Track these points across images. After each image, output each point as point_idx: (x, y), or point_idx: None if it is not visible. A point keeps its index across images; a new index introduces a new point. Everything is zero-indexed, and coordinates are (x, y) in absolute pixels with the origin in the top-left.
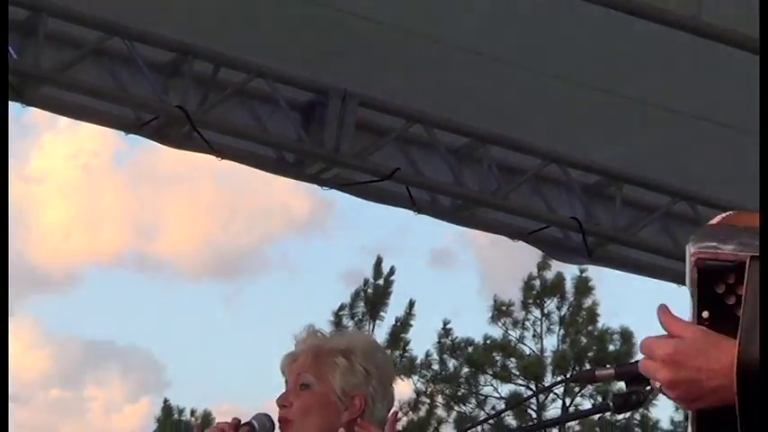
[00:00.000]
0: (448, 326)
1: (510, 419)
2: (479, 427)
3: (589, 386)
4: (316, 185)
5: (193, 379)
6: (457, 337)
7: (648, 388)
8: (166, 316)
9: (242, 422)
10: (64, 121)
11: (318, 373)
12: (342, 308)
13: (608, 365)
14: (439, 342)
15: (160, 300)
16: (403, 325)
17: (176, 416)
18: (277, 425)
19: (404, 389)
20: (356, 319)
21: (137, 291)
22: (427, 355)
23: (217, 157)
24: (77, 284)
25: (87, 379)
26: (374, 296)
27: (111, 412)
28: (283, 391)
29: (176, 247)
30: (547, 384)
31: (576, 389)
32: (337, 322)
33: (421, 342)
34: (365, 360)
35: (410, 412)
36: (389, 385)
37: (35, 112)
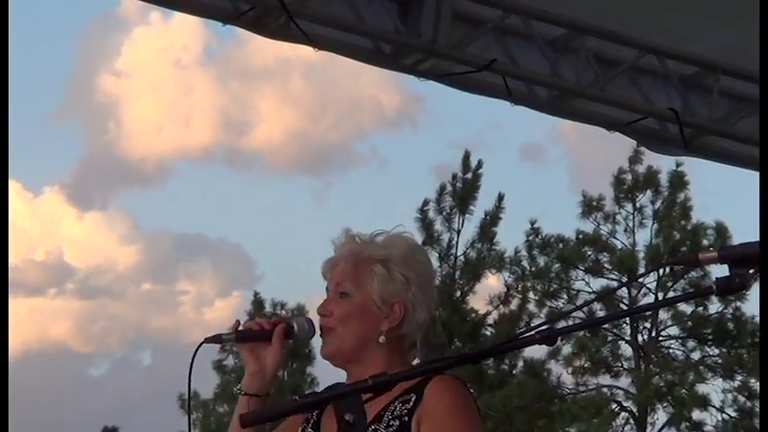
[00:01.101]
0: (537, 222)
1: (602, 314)
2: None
3: (681, 280)
4: (407, 80)
5: (284, 273)
6: (547, 233)
7: (752, 271)
8: (256, 210)
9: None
10: (155, 15)
11: (357, 281)
12: (426, 203)
13: (711, 248)
14: (528, 238)
15: (250, 194)
16: (492, 219)
17: (268, 309)
18: (318, 332)
19: (493, 283)
20: (444, 213)
21: (227, 185)
22: (516, 251)
23: (313, 47)
24: (168, 179)
25: (179, 273)
26: (463, 190)
27: (202, 306)
28: (324, 298)
29: (266, 141)
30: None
31: (669, 283)
32: (424, 217)
33: (510, 237)
34: (404, 267)
35: (501, 306)
36: (430, 288)
37: (126, 6)
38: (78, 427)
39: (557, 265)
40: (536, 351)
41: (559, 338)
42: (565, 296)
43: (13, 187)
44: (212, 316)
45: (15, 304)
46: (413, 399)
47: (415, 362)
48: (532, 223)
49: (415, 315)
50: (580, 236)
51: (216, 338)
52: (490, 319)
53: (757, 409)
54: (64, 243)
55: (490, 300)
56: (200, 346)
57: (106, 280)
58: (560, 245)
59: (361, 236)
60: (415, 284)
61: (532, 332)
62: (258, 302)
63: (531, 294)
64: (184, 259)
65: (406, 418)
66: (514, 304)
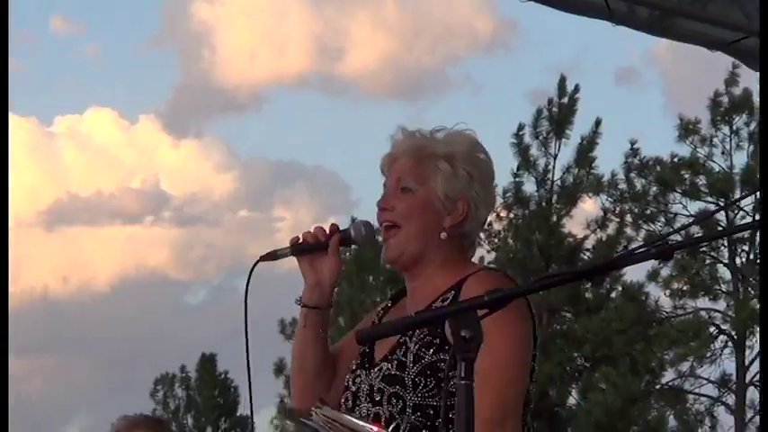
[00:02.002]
0: (635, 145)
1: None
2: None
3: None
4: (500, 3)
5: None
6: (644, 157)
7: None
8: (351, 137)
9: (339, 229)
10: None
11: (420, 177)
12: (521, 127)
13: None
14: (626, 162)
15: (344, 121)
16: (589, 143)
17: None
18: (377, 227)
19: (590, 207)
20: (540, 138)
21: (321, 112)
22: (613, 174)
23: None
24: (263, 106)
25: (275, 200)
26: (559, 115)
27: (298, 232)
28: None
29: (360, 67)
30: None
31: None
32: (519, 142)
33: (607, 160)
34: (467, 163)
35: (598, 230)
36: (491, 187)
37: None
38: (177, 354)
39: (654, 189)
40: (634, 274)
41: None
42: (662, 219)
43: (110, 116)
44: None
45: (113, 232)
46: (451, 296)
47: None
48: (632, 144)
49: (477, 213)
50: (677, 159)
51: (271, 255)
52: (587, 244)
53: None
54: (160, 171)
55: (587, 224)
56: (255, 264)
57: (202, 207)
58: (657, 168)
59: (421, 131)
60: (478, 182)
61: (648, 247)
62: None
63: (628, 218)
64: (280, 186)
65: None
66: (612, 228)
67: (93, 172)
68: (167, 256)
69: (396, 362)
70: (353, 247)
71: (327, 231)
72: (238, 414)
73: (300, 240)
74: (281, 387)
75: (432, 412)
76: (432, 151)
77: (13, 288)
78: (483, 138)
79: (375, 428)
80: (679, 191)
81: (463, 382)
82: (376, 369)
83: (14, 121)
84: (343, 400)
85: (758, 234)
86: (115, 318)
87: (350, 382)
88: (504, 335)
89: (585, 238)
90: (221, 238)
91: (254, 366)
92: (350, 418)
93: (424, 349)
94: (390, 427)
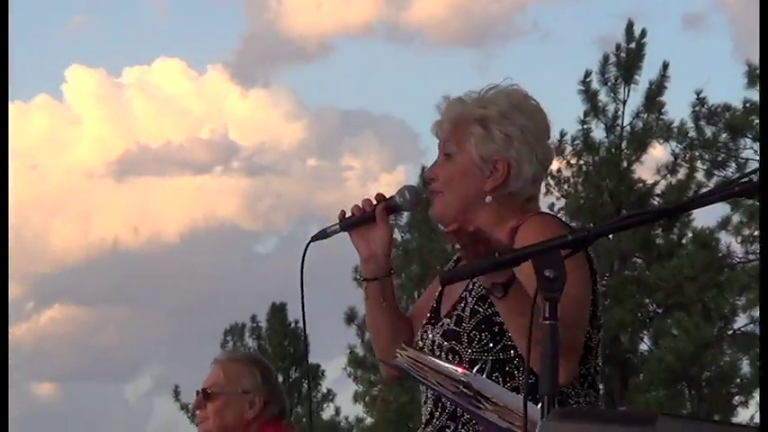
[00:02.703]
0: (701, 94)
1: None
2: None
3: None
4: None
5: None
6: (713, 104)
7: None
8: (418, 85)
9: (385, 198)
10: None
11: (458, 142)
12: (588, 74)
13: None
14: (694, 109)
15: (411, 69)
16: (657, 88)
17: None
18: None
19: (660, 152)
20: (608, 83)
21: (388, 60)
22: (682, 123)
23: None
24: (330, 55)
25: (343, 149)
26: (627, 60)
27: (367, 181)
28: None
29: (426, 15)
30: None
31: None
32: (587, 88)
33: (676, 106)
34: (503, 124)
35: (668, 175)
36: (540, 142)
37: None
38: (247, 304)
39: (724, 135)
40: (704, 221)
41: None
42: (733, 165)
43: (178, 66)
44: (378, 190)
45: (182, 183)
46: None
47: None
48: (698, 93)
49: (521, 171)
50: (747, 104)
51: (321, 234)
52: (657, 189)
53: None
54: (229, 121)
55: (657, 169)
56: (307, 245)
57: (271, 157)
58: (727, 114)
59: (469, 95)
60: (517, 140)
61: (732, 184)
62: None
63: (698, 164)
64: (348, 135)
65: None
66: (682, 174)
67: (162, 123)
68: (237, 206)
69: (455, 317)
70: (423, 195)
71: (374, 202)
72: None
73: (348, 215)
74: (352, 336)
75: (484, 366)
76: (467, 116)
77: (84, 239)
78: (550, 85)
79: (460, 369)
80: (750, 136)
81: (548, 322)
82: (439, 325)
83: (84, 73)
84: None
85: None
86: (185, 268)
87: (419, 338)
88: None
89: (656, 183)
90: (290, 187)
91: (325, 315)
92: (435, 359)
93: (480, 303)
94: (475, 369)
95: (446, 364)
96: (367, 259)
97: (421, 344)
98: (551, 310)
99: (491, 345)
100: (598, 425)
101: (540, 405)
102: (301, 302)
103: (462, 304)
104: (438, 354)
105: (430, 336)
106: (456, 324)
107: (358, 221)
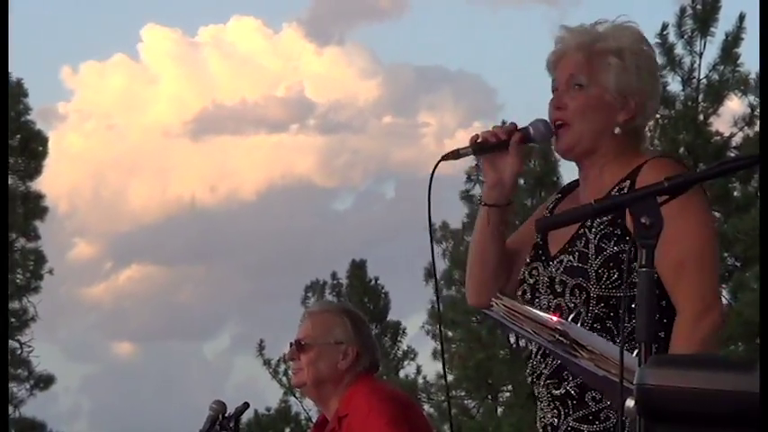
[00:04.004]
0: None
1: None
2: None
3: None
4: None
5: (525, 102)
6: None
7: None
8: (494, 40)
9: (518, 127)
10: None
11: (591, 73)
12: (665, 27)
13: None
14: None
15: (486, 24)
16: (734, 40)
17: None
18: (553, 129)
19: (737, 105)
20: (685, 37)
21: (463, 16)
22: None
23: None
24: (404, 11)
25: (419, 105)
26: (703, 12)
27: (443, 137)
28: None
29: None
30: None
31: None
32: (663, 41)
33: (754, 58)
34: (636, 57)
35: (745, 128)
36: (658, 78)
37: None
38: (326, 261)
39: None
40: None
41: None
42: None
43: (253, 24)
44: (454, 146)
45: (258, 141)
46: (627, 186)
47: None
48: None
49: (647, 106)
50: None
51: (453, 154)
52: (734, 142)
53: None
54: (304, 78)
55: (734, 122)
56: (438, 163)
57: (347, 114)
58: None
59: (585, 26)
60: (647, 74)
61: None
62: None
63: None
64: (424, 91)
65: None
66: (759, 126)
67: (238, 81)
68: (313, 164)
69: (577, 253)
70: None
71: (504, 131)
72: (388, 320)
73: (480, 140)
74: (431, 293)
75: (614, 303)
76: (602, 46)
77: (161, 198)
78: None
79: (555, 318)
80: None
81: (644, 269)
82: (555, 261)
83: (159, 33)
84: (520, 293)
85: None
86: (263, 226)
87: (526, 275)
88: (692, 223)
89: (732, 135)
90: (366, 144)
91: (404, 271)
92: (530, 308)
93: (605, 240)
94: (570, 317)
95: (541, 313)
96: (493, 185)
97: (531, 281)
98: (648, 257)
99: (618, 282)
100: (698, 371)
101: (635, 353)
102: (428, 218)
103: (582, 241)
104: (561, 290)
105: (544, 273)
106: (580, 261)
107: (491, 148)
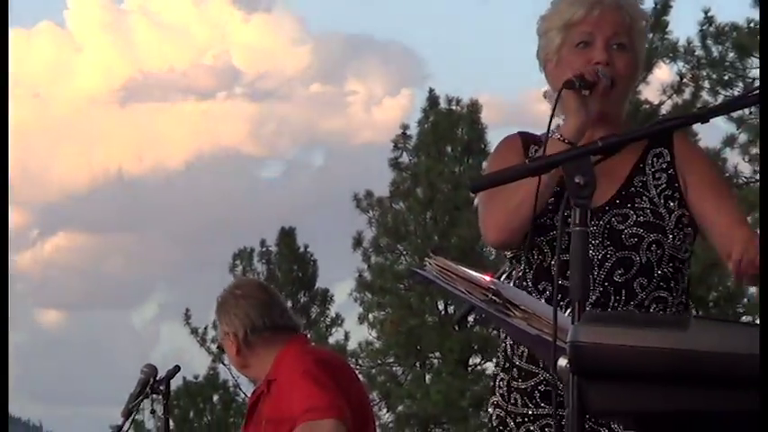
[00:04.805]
0: (709, 13)
1: None
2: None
3: None
4: None
5: (453, 70)
6: (720, 23)
7: None
8: (422, 10)
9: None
10: None
11: (633, 37)
12: None
13: None
14: (700, 29)
15: None
16: (662, 8)
17: (443, 105)
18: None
19: (665, 73)
20: None
21: None
22: (689, 41)
23: None
24: None
25: (347, 73)
26: None
27: (371, 105)
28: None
29: None
30: None
31: None
32: None
33: (682, 26)
34: (646, 26)
35: (674, 95)
36: None
37: None
38: (255, 229)
39: (731, 54)
40: (710, 140)
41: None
42: (740, 84)
43: None
44: (381, 115)
45: (187, 108)
46: (665, 153)
47: None
48: (706, 12)
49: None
50: (751, 24)
51: (568, 83)
52: (663, 110)
53: None
54: (232, 46)
55: (663, 89)
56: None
57: (275, 82)
58: (734, 33)
59: None
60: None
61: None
62: (433, 98)
63: (706, 84)
64: (353, 59)
65: (672, 171)
66: (688, 93)
67: (165, 49)
68: (241, 132)
69: (649, 210)
70: (430, 118)
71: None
72: (317, 287)
73: (587, 75)
74: (359, 261)
75: (679, 265)
76: (638, 12)
77: (88, 167)
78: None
79: (488, 277)
80: (757, 56)
81: (578, 228)
82: (614, 212)
83: (86, 0)
84: (546, 242)
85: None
86: (191, 195)
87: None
88: (709, 158)
89: (662, 103)
90: (294, 112)
91: (332, 239)
92: (463, 267)
93: (669, 202)
94: (503, 276)
95: (474, 273)
96: (583, 125)
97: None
98: (582, 216)
99: (681, 244)
100: (631, 328)
101: (567, 312)
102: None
103: (643, 199)
104: (632, 243)
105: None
106: (656, 217)
107: (589, 86)
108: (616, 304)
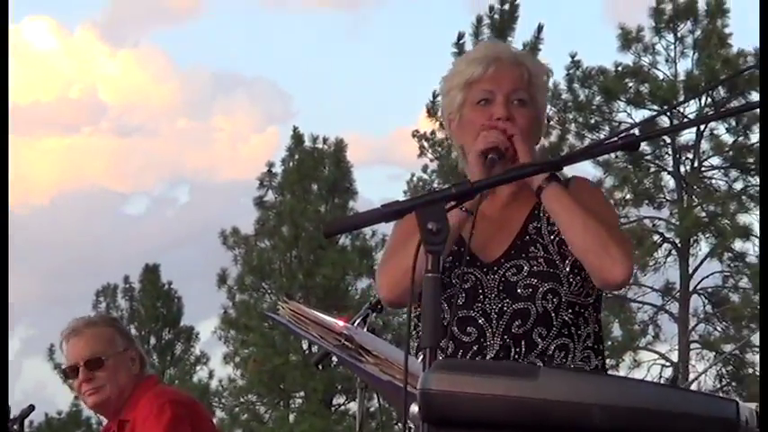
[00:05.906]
0: (575, 57)
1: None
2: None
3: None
4: None
5: (320, 108)
6: (587, 67)
7: None
8: (290, 46)
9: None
10: None
11: (533, 92)
12: (461, 36)
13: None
14: (568, 72)
15: (283, 29)
16: (532, 50)
17: (308, 143)
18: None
19: None
20: None
21: (260, 20)
22: (555, 85)
23: None
24: (200, 16)
25: (214, 109)
26: (500, 22)
27: (237, 141)
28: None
29: None
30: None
31: (710, 112)
32: (460, 51)
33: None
34: (548, 79)
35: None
36: None
37: None
38: (120, 265)
39: (598, 98)
40: None
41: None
42: (607, 128)
43: (48, 24)
44: (248, 152)
45: (51, 143)
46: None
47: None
48: (573, 56)
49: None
50: (619, 67)
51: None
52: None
53: None
54: (98, 81)
55: None
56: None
57: (141, 117)
58: (601, 77)
59: (503, 42)
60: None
61: (614, 138)
62: (297, 136)
63: (572, 127)
64: (219, 95)
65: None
66: (554, 136)
67: (31, 82)
68: (106, 167)
69: (542, 259)
70: (295, 156)
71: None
72: (181, 324)
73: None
74: (223, 298)
75: (579, 309)
76: (539, 67)
77: None
78: (424, 47)
79: (341, 322)
80: (623, 99)
81: (430, 275)
82: (508, 265)
83: None
84: (444, 298)
85: (758, 230)
86: (55, 230)
87: (454, 280)
88: (596, 195)
89: None
90: (160, 148)
91: (197, 277)
92: (316, 312)
93: (564, 246)
94: (356, 322)
95: (327, 317)
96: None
97: (467, 285)
98: (434, 263)
99: (581, 289)
100: (480, 376)
101: (419, 358)
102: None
103: (537, 247)
104: (527, 294)
105: (487, 276)
106: (549, 266)
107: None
108: (516, 356)
